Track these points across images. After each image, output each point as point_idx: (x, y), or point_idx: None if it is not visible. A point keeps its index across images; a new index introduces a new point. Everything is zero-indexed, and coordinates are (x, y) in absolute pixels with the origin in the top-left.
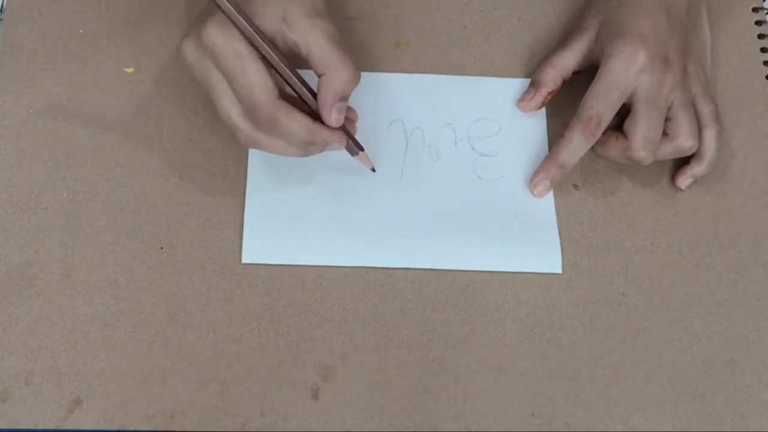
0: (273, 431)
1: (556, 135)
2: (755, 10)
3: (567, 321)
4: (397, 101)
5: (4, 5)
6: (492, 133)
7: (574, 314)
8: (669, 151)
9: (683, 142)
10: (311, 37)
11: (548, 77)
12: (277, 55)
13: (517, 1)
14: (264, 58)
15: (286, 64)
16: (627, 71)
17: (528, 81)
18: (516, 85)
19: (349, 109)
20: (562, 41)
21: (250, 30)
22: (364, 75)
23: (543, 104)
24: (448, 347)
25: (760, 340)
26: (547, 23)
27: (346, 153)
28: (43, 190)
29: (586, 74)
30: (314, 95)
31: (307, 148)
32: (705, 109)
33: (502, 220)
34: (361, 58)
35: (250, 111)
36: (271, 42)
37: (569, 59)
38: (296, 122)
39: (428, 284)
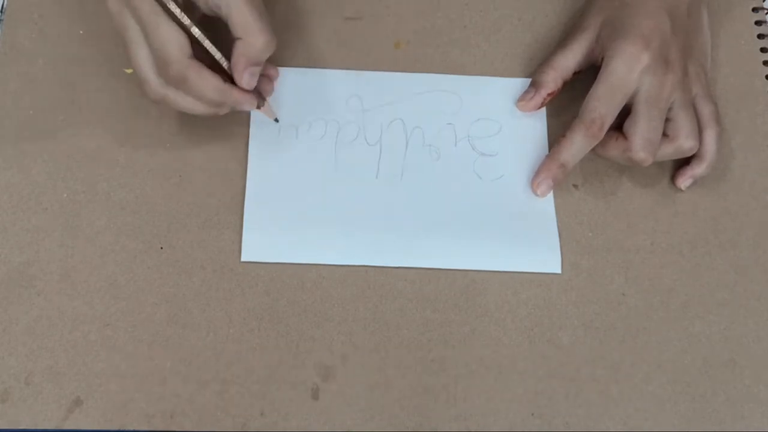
0: (273, 431)
1: (556, 135)
2: (755, 10)
3: (567, 321)
4: (398, 100)
5: (5, 6)
6: (492, 133)
7: (574, 314)
8: (669, 151)
9: (683, 142)
10: (232, 1)
11: (549, 78)
12: (187, 16)
13: (517, 1)
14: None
15: (198, 26)
16: (630, 72)
17: (528, 81)
18: (516, 84)
19: (269, 66)
20: (562, 41)
21: None
22: (365, 74)
23: (542, 105)
24: (448, 347)
25: (760, 340)
26: (547, 23)
27: (345, 153)
28: (43, 190)
29: (586, 74)
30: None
31: (217, 107)
32: (705, 110)
33: (502, 220)
34: (361, 58)
35: (161, 66)
36: (190, 2)
37: (570, 60)
38: (206, 81)
39: (428, 284)
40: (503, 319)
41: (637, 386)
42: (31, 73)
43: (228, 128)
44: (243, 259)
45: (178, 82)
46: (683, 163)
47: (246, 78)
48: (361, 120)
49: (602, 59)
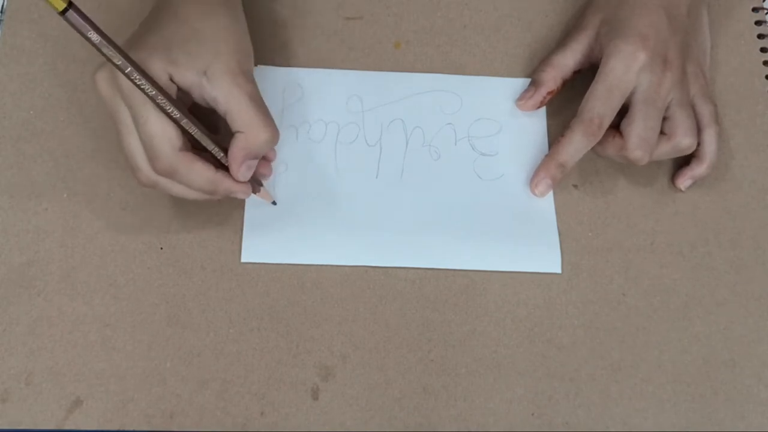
0: (273, 431)
1: (556, 135)
2: (755, 10)
3: (567, 321)
4: (398, 100)
5: (5, 6)
6: (492, 133)
7: (574, 314)
8: (667, 149)
9: (681, 140)
10: (232, 96)
11: (548, 77)
12: (181, 111)
13: (517, 1)
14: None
15: (192, 120)
16: (627, 71)
17: (528, 81)
18: (516, 85)
19: (264, 164)
20: (562, 40)
21: (149, 87)
22: (365, 74)
23: (542, 104)
24: (448, 347)
25: (760, 340)
26: (547, 23)
27: (345, 154)
28: (43, 191)
29: (586, 74)
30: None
31: (210, 194)
32: (704, 110)
33: (502, 220)
34: (361, 58)
35: (151, 159)
36: (187, 93)
37: (569, 59)
38: (197, 173)
39: (428, 284)
40: (503, 319)
41: (637, 386)
42: (31, 73)
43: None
44: (243, 260)
45: (168, 174)
46: (683, 163)
47: (243, 171)
48: (361, 120)
49: (601, 58)
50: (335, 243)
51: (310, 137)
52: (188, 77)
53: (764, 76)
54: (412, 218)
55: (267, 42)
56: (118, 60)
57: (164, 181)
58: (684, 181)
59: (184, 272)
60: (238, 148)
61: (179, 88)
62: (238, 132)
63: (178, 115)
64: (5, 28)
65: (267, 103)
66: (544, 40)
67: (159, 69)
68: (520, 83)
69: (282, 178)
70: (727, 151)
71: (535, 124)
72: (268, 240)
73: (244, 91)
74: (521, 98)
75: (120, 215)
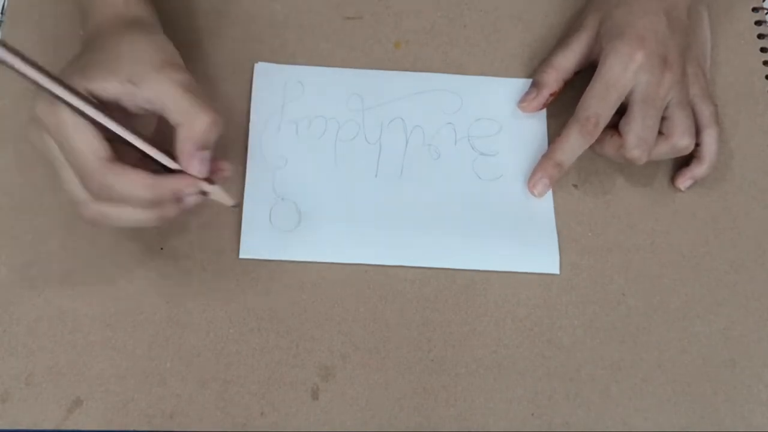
0: (273, 431)
1: (556, 135)
2: (755, 9)
3: (567, 321)
4: (398, 99)
5: (5, 6)
6: (492, 133)
7: (574, 314)
8: (665, 149)
9: (678, 140)
10: (162, 90)
11: (550, 78)
12: (112, 119)
13: (517, 1)
14: (98, 124)
15: (124, 126)
16: (625, 71)
17: (528, 81)
18: (516, 84)
19: (217, 161)
20: (562, 40)
21: (74, 97)
22: (366, 72)
23: (545, 105)
24: (448, 347)
25: (760, 340)
26: (547, 23)
27: (344, 151)
28: (44, 192)
29: (586, 74)
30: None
31: (158, 207)
32: (705, 111)
33: (501, 220)
34: (361, 57)
35: (84, 180)
36: (116, 104)
37: (570, 59)
38: (130, 180)
39: (428, 284)
40: (503, 319)
41: (637, 386)
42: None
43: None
44: (241, 256)
45: (104, 191)
46: (683, 164)
47: (195, 165)
48: (361, 118)
49: (600, 58)
50: (333, 240)
51: (310, 133)
52: (110, 89)
53: (764, 76)
54: (411, 217)
55: (267, 41)
56: (38, 77)
57: (107, 208)
58: (684, 181)
59: (184, 272)
60: (182, 140)
61: (105, 104)
62: (179, 125)
63: (105, 120)
64: (5, 28)
65: (268, 99)
66: (544, 40)
67: (78, 86)
68: (520, 83)
69: (281, 173)
70: (727, 151)
71: (535, 125)
72: (266, 236)
73: (174, 81)
74: (523, 100)
75: None
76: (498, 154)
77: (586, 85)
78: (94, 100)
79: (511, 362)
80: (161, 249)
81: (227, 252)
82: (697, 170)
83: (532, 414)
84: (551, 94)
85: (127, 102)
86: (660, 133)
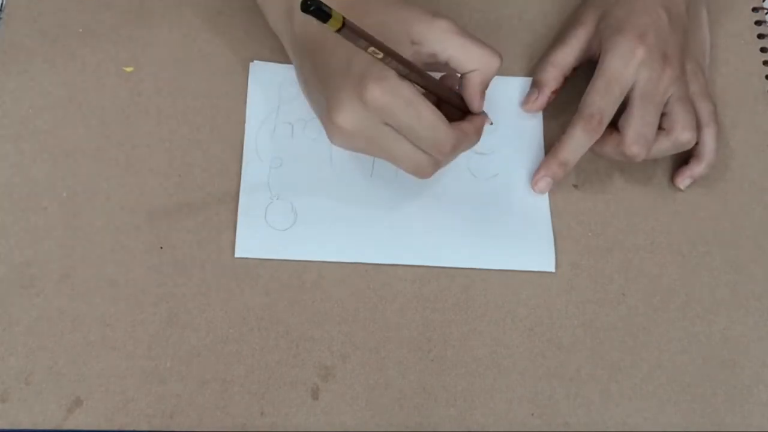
0: (273, 431)
1: (551, 134)
2: (755, 9)
3: (567, 321)
4: None
5: (4, 4)
6: (487, 132)
7: (574, 314)
8: (667, 145)
9: (680, 135)
10: (445, 42)
11: (550, 76)
12: (426, 78)
13: (517, 1)
14: (423, 86)
15: (435, 81)
16: (626, 66)
17: (524, 79)
18: (512, 83)
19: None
20: (559, 36)
21: (401, 58)
22: None
23: (547, 103)
24: (448, 347)
25: (759, 340)
26: (547, 23)
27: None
28: (43, 190)
29: (584, 72)
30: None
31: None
32: (704, 110)
33: (496, 219)
34: None
35: (434, 148)
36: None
37: (569, 55)
38: (469, 136)
39: (428, 284)
40: (503, 318)
41: (637, 386)
42: (30, 73)
43: (225, 128)
44: (237, 255)
45: (451, 153)
46: (682, 162)
47: (481, 102)
48: None
49: (599, 54)
50: (328, 239)
51: (306, 134)
52: (406, 53)
53: (764, 76)
54: (407, 216)
55: (264, 40)
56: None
57: (441, 165)
58: (683, 180)
59: (184, 272)
60: (477, 84)
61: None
62: (472, 71)
63: (434, 81)
64: (5, 27)
65: (264, 99)
66: (544, 39)
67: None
68: (516, 82)
69: (276, 172)
70: (727, 151)
71: (530, 123)
72: (262, 235)
73: (451, 31)
74: (526, 101)
75: (120, 215)
76: (493, 153)
77: (583, 83)
78: (416, 65)
79: (511, 362)
80: (161, 248)
81: (227, 252)
82: (696, 169)
83: (532, 414)
84: (553, 92)
85: (425, 59)
86: (661, 129)
